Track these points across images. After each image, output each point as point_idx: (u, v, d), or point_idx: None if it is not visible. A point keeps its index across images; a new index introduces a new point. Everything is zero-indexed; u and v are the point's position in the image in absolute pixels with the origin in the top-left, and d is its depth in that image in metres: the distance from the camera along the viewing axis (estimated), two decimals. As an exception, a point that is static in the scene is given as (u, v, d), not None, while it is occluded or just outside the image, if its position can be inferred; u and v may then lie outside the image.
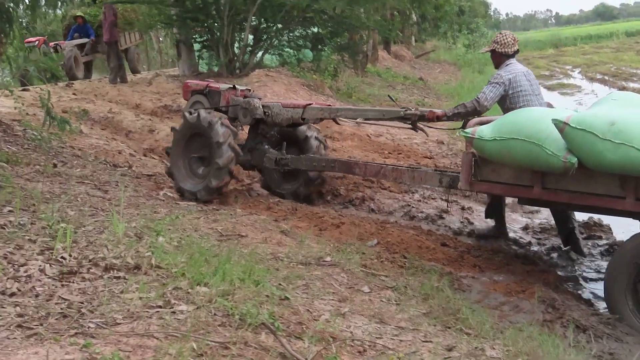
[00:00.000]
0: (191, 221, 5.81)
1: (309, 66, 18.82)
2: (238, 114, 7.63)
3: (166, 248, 4.51)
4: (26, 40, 17.09)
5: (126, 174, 7.86)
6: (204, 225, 5.78)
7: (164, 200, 6.72)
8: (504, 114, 6.36)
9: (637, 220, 5.20)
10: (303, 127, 7.87)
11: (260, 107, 7.56)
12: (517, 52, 6.79)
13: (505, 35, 6.81)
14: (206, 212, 6.45)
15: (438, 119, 6.63)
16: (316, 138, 7.93)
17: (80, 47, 19.20)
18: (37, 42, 17.97)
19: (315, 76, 18.16)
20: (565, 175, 4.93)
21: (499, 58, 6.76)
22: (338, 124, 7.51)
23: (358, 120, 7.44)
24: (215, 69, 18.02)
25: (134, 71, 21.48)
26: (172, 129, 7.63)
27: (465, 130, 5.69)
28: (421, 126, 6.87)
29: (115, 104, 13.34)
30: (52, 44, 19.43)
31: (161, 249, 4.37)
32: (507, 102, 6.56)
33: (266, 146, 7.78)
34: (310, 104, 7.55)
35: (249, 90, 8.08)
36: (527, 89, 6.54)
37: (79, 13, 19.60)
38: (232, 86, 7.90)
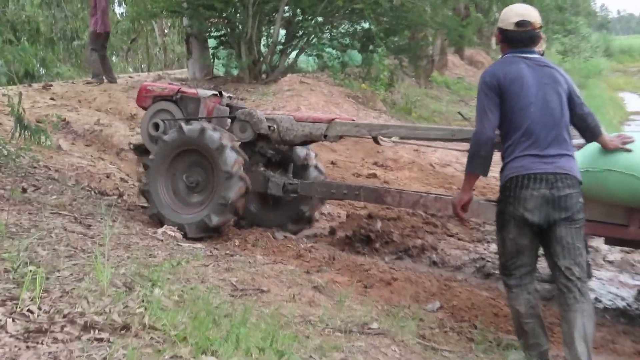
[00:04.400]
0: (197, 269, 5.82)
1: (357, 72, 18.78)
2: (233, 129, 7.69)
3: (164, 303, 4.51)
4: None
5: (115, 204, 7.92)
6: (213, 275, 5.78)
7: (162, 241, 6.74)
8: None
9: None
10: (301, 149, 8.02)
11: (265, 120, 7.64)
12: None
13: None
14: (217, 258, 6.45)
15: None
16: (316, 167, 8.12)
17: None
18: None
19: (365, 85, 18.12)
20: None
21: None
22: (379, 144, 7.50)
23: (395, 139, 7.38)
24: (235, 72, 18.01)
25: None
26: (130, 144, 8.16)
27: None
28: None
29: (104, 114, 13.49)
30: None
31: (157, 305, 4.37)
32: None
33: (262, 169, 7.83)
34: (335, 119, 7.60)
35: (238, 99, 8.17)
36: None
37: None
38: (216, 93, 8.01)
